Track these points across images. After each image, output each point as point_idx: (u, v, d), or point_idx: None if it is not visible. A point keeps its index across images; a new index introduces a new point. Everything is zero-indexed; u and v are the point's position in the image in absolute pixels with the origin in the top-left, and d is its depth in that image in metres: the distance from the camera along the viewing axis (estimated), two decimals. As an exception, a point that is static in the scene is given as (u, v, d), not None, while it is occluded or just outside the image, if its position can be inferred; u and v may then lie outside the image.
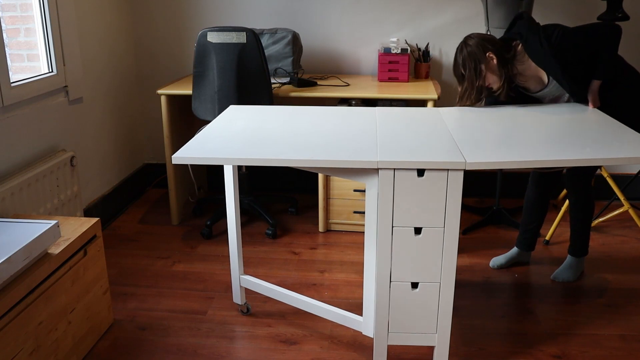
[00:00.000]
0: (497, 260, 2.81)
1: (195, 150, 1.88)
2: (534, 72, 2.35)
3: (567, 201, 2.71)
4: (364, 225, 2.54)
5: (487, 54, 2.29)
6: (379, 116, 2.32)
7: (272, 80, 3.16)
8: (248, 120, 2.26)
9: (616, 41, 2.26)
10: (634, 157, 1.78)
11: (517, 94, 2.47)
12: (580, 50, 2.26)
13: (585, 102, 2.37)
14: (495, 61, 2.30)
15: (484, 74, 2.31)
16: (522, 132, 2.05)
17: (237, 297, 2.42)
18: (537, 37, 2.23)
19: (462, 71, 2.33)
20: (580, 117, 2.24)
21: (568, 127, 2.10)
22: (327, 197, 3.16)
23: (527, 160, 1.77)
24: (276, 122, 2.22)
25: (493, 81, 2.33)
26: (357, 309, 2.45)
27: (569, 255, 2.69)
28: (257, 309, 2.48)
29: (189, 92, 3.05)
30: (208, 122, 3.13)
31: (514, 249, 2.81)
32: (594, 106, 2.33)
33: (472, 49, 2.30)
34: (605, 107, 2.35)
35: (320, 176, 3.12)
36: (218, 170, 3.83)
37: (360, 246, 3.04)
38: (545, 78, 2.37)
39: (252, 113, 2.37)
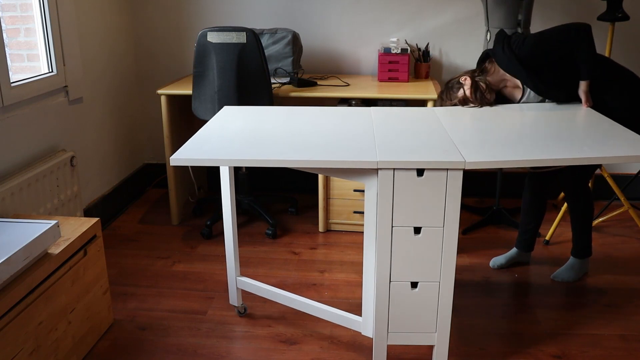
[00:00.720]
0: (497, 260, 2.81)
1: (193, 152, 1.87)
2: (512, 83, 2.48)
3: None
4: (363, 225, 2.54)
5: (463, 79, 2.48)
6: (378, 116, 2.32)
7: (272, 80, 3.16)
8: (246, 121, 2.26)
9: (587, 39, 2.29)
10: (632, 156, 1.78)
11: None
12: (548, 53, 2.33)
13: (556, 101, 2.44)
14: (469, 81, 2.46)
15: (463, 95, 2.48)
16: (520, 132, 2.05)
17: (234, 299, 2.41)
18: (501, 46, 2.41)
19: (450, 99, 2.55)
20: (576, 117, 2.24)
21: (566, 127, 2.10)
22: (327, 197, 3.16)
23: (526, 160, 1.77)
24: (275, 122, 2.22)
25: (473, 99, 2.48)
26: (357, 309, 2.45)
27: (571, 256, 2.70)
28: (257, 309, 2.48)
29: (189, 92, 3.05)
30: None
31: (514, 249, 2.81)
32: (588, 106, 2.35)
33: (452, 84, 2.54)
34: (602, 108, 2.35)
35: (320, 176, 3.12)
36: (218, 170, 3.83)
37: (360, 246, 3.04)
38: (520, 84, 2.47)
39: (247, 114, 2.36)
